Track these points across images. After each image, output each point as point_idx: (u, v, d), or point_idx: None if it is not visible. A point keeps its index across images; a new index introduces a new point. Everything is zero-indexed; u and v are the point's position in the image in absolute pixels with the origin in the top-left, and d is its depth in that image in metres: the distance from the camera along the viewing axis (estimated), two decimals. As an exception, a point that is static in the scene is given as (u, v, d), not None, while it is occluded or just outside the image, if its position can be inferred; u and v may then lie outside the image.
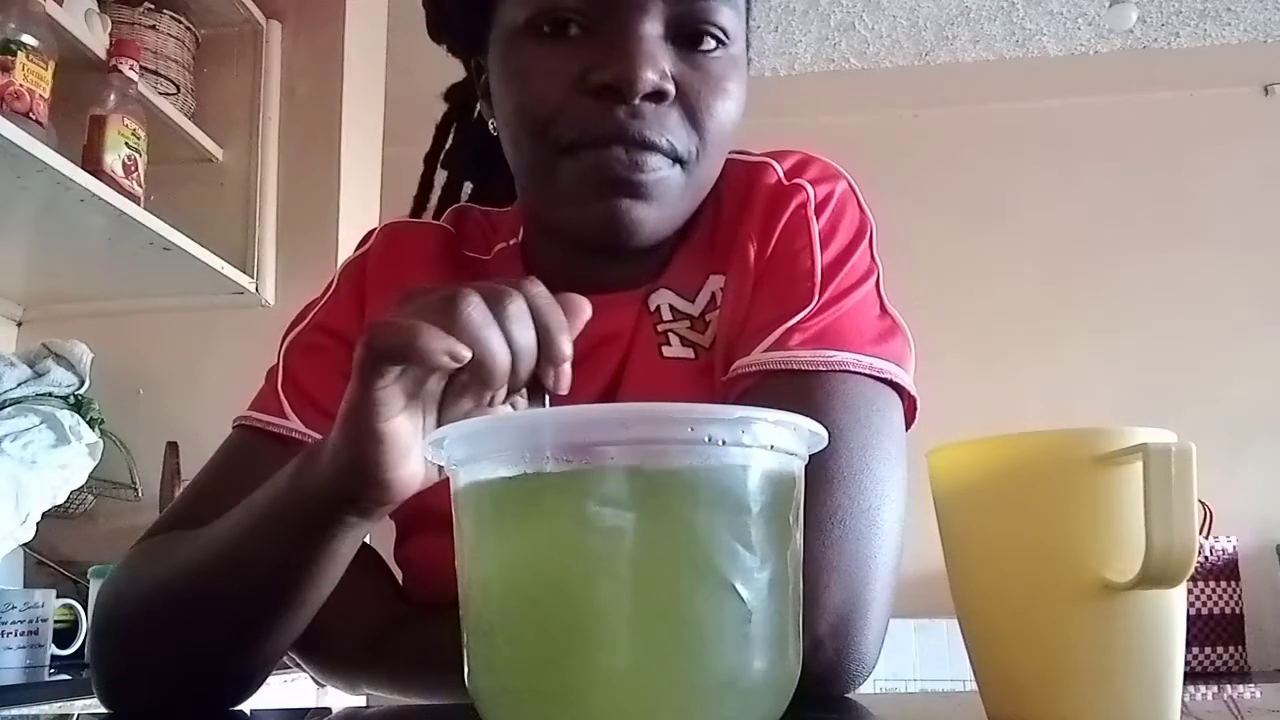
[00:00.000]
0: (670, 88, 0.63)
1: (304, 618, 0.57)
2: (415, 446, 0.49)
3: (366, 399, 0.47)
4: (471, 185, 0.85)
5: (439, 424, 0.49)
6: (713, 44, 0.64)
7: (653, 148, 0.63)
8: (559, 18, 0.63)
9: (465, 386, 0.49)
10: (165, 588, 0.60)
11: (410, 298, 0.48)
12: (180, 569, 0.59)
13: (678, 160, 0.64)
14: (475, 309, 0.45)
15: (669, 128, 0.63)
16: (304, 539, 0.53)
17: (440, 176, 0.85)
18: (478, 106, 0.77)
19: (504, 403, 0.50)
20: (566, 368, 0.48)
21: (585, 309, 0.49)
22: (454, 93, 0.83)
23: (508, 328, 0.46)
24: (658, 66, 0.62)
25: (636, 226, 0.64)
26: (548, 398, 0.49)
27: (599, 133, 0.62)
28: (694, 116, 0.64)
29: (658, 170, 0.63)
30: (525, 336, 0.46)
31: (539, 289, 0.48)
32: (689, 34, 0.64)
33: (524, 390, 0.48)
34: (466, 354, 0.44)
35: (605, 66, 0.61)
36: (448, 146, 0.84)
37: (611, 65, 0.61)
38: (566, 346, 0.47)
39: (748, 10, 0.70)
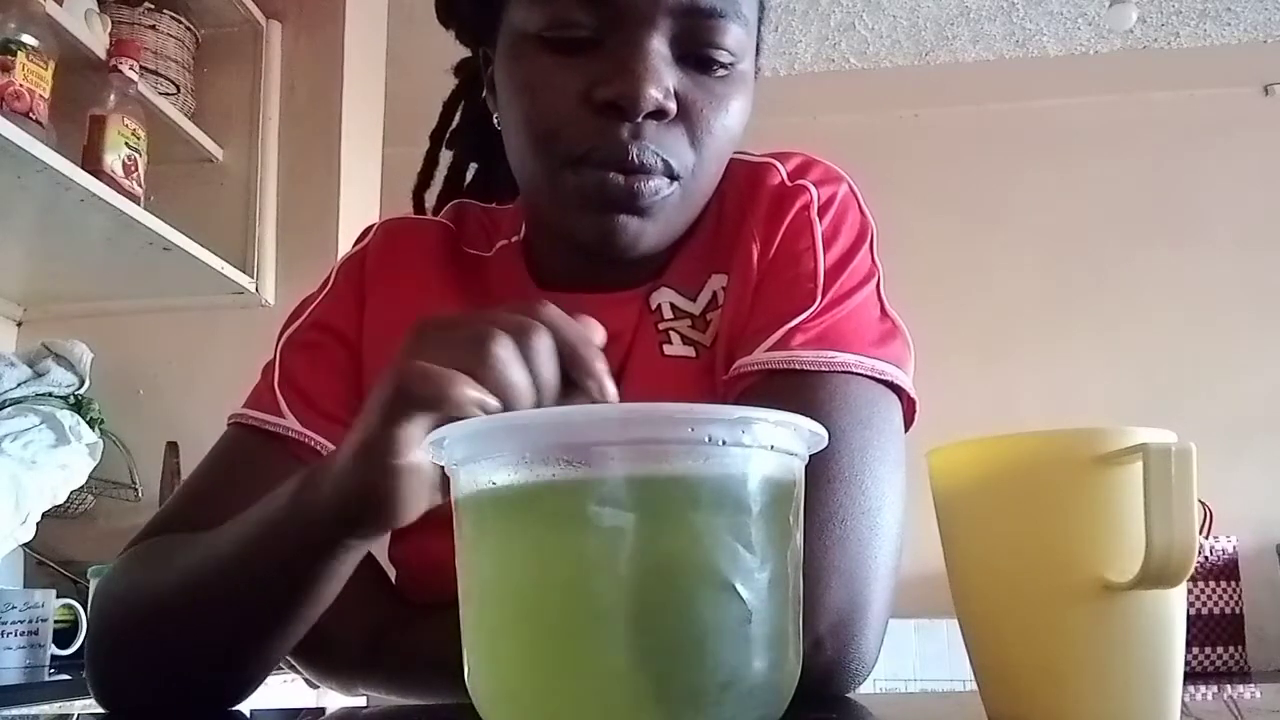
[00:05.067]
0: (672, 106, 0.63)
1: (301, 630, 0.57)
2: (427, 478, 0.48)
3: (387, 438, 0.46)
4: (476, 167, 0.84)
5: None
6: (719, 62, 0.64)
7: (650, 171, 0.63)
8: (568, 31, 0.63)
9: None
10: (161, 597, 0.59)
11: (432, 331, 0.47)
12: (177, 579, 0.59)
13: (674, 178, 0.64)
14: (505, 351, 0.45)
15: (668, 145, 0.63)
16: (302, 558, 0.53)
17: (446, 158, 0.84)
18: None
19: None
20: (605, 379, 0.47)
21: (600, 332, 0.49)
22: (463, 69, 0.82)
23: (535, 365, 0.46)
24: (662, 84, 0.62)
25: (634, 241, 0.65)
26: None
27: (601, 149, 0.62)
28: (694, 134, 0.64)
29: (655, 187, 0.63)
30: (550, 372, 0.46)
31: (555, 313, 0.47)
32: (696, 52, 0.64)
33: None
34: (497, 406, 0.44)
35: (610, 83, 0.61)
36: (454, 126, 0.83)
37: (616, 81, 0.61)
38: (597, 359, 0.47)
39: (759, 24, 0.69)
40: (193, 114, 2.03)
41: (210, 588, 0.57)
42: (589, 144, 0.62)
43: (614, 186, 0.63)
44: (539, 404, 0.46)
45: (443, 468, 0.48)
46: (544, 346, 0.46)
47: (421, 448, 0.43)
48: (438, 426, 0.46)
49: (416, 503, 0.49)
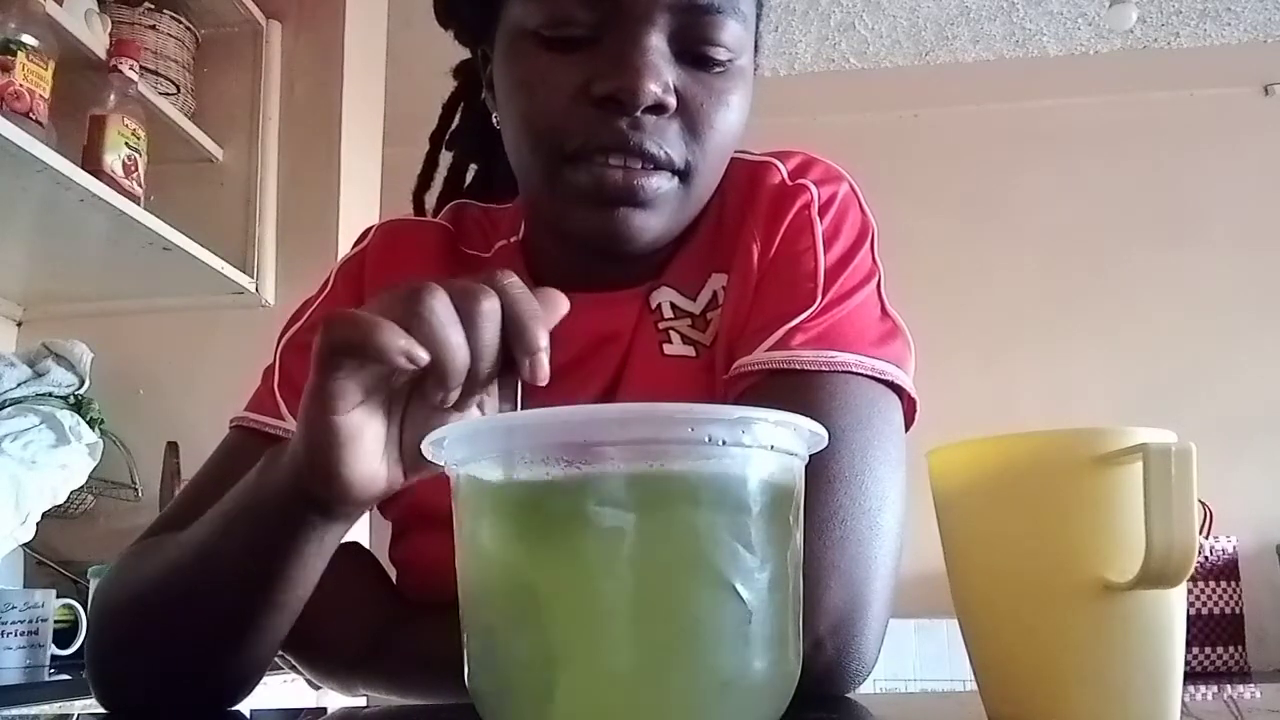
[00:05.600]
0: (672, 101, 0.63)
1: (284, 619, 0.56)
2: (374, 446, 0.47)
3: (321, 391, 0.45)
4: (475, 169, 0.84)
5: (403, 426, 0.48)
6: (717, 59, 0.64)
7: (651, 160, 0.63)
8: (566, 29, 0.63)
9: (430, 387, 0.47)
10: (148, 590, 0.60)
11: (385, 292, 0.46)
12: (161, 571, 0.59)
13: (676, 172, 0.64)
14: (439, 306, 0.44)
15: (668, 140, 0.63)
16: (269, 539, 0.52)
17: (445, 159, 0.84)
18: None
19: (472, 402, 0.48)
20: (542, 357, 0.46)
21: (562, 304, 0.48)
22: (462, 70, 0.82)
23: (473, 326, 0.45)
24: (660, 79, 0.62)
25: (636, 235, 0.65)
26: (520, 389, 0.47)
27: (600, 143, 0.62)
28: (694, 129, 0.64)
29: (657, 184, 0.64)
30: (489, 335, 0.45)
31: (511, 280, 0.46)
32: (694, 49, 0.64)
33: (495, 387, 0.47)
34: (424, 356, 0.43)
35: (608, 78, 0.61)
36: (454, 127, 0.83)
37: (615, 77, 0.61)
38: (541, 337, 0.46)
39: (757, 20, 0.69)
40: (193, 114, 2.03)
41: (191, 576, 0.57)
42: (587, 138, 0.62)
43: (613, 181, 0.63)
44: (476, 368, 0.45)
45: (402, 443, 0.48)
46: (486, 310, 0.45)
47: (422, 445, 0.43)
48: (373, 381, 0.46)
49: (362, 469, 0.47)
